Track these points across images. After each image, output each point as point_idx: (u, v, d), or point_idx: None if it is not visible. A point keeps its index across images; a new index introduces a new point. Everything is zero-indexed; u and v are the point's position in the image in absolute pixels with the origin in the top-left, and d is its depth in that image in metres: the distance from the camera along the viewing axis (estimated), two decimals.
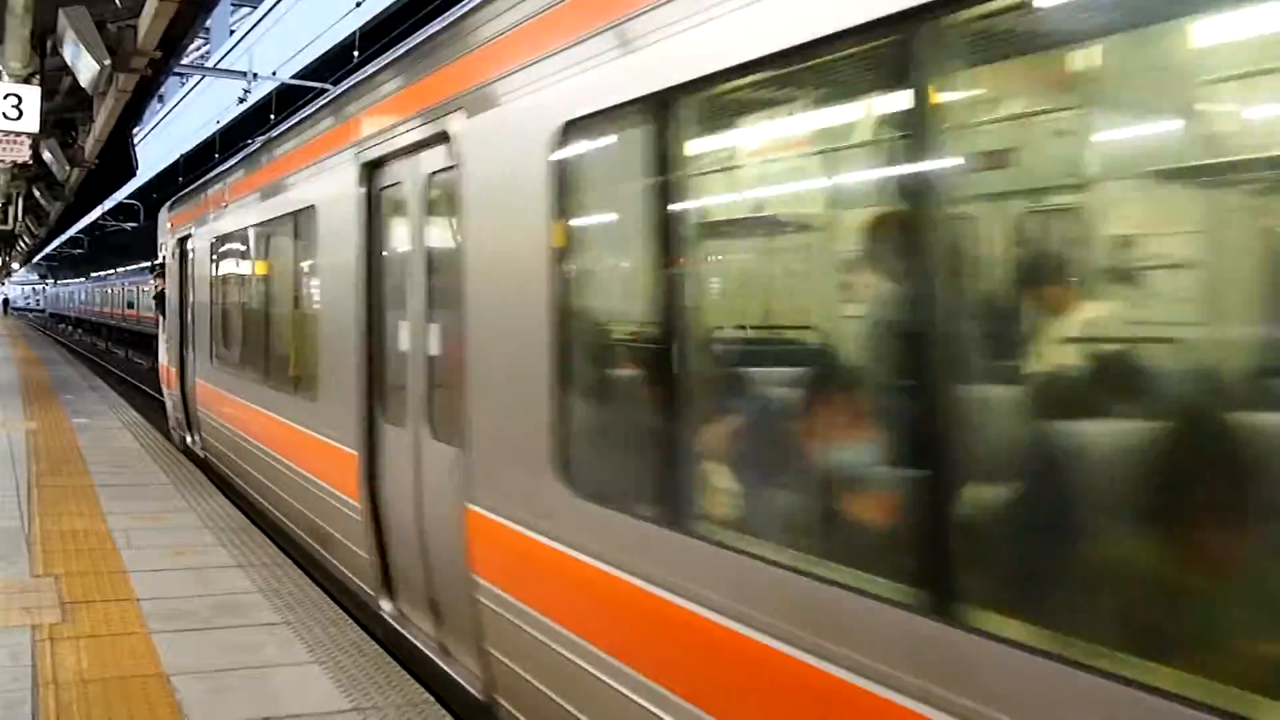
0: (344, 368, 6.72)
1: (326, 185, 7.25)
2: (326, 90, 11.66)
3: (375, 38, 18.76)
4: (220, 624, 6.27)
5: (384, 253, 6.39)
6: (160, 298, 15.78)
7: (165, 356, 15.58)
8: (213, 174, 12.62)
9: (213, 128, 30.03)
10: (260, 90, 22.51)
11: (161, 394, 17.55)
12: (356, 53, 19.38)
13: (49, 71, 12.91)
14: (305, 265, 8.24)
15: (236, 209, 10.63)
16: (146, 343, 47.38)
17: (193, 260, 13.24)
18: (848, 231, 3.16)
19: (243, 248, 10.64)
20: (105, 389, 22.46)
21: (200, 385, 12.50)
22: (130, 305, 53.94)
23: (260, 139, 10.51)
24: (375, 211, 6.40)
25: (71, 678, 5.34)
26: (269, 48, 61.77)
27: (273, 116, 22.44)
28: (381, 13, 20.40)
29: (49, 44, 11.89)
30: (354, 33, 20.26)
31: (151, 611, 6.45)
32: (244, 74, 20.84)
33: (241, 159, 11.00)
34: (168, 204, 15.69)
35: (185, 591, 6.90)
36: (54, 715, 4.89)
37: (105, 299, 64.96)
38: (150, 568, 7.46)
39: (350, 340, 6.58)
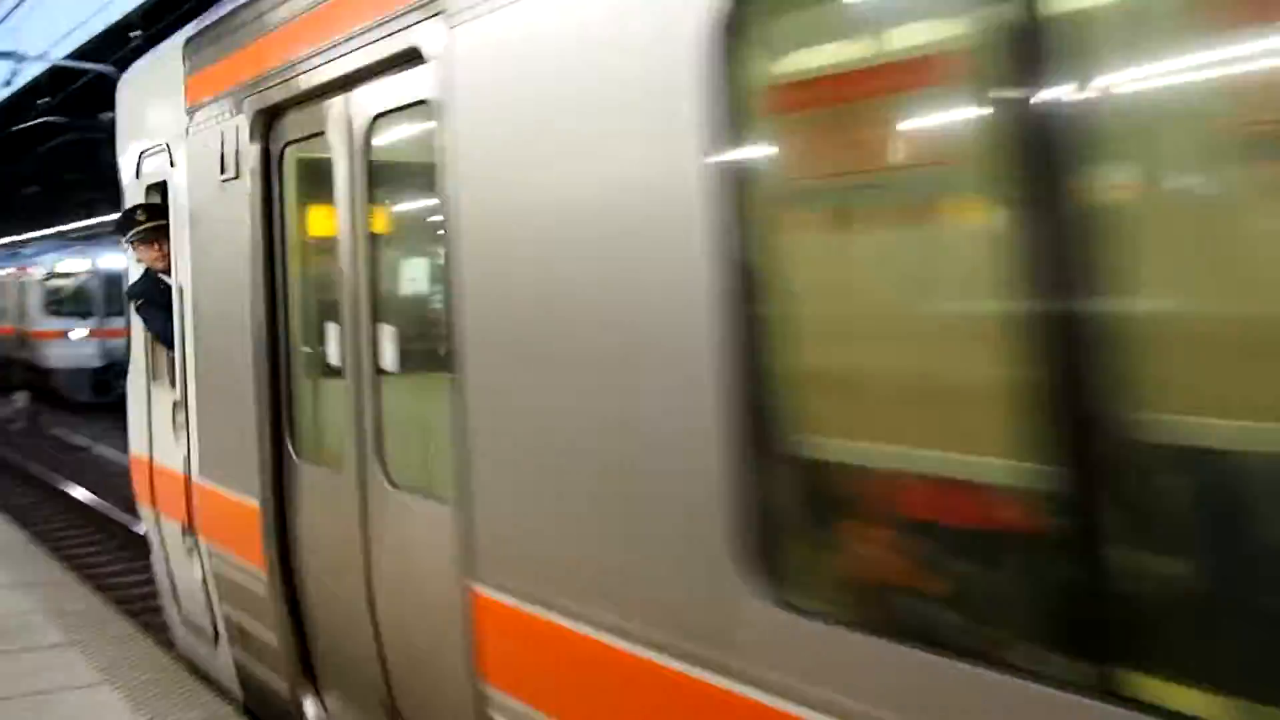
0: None
1: None
2: (106, 74, 10.78)
3: (156, 16, 17.83)
4: None
5: None
6: (141, 296, 6.11)
7: (155, 448, 6.10)
8: None
9: None
10: (29, 72, 21.10)
11: None
12: (137, 31, 18.36)
13: None
14: None
15: None
16: None
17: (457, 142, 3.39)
18: None
19: None
20: None
21: (509, 614, 3.21)
22: None
23: None
24: None
25: None
26: (38, 26, 58.14)
27: (46, 100, 21.07)
28: None
29: None
30: (133, 11, 19.20)
31: None
32: (10, 55, 19.44)
33: None
34: (185, 37, 5.57)
35: None
36: None
37: None
38: None
39: None
